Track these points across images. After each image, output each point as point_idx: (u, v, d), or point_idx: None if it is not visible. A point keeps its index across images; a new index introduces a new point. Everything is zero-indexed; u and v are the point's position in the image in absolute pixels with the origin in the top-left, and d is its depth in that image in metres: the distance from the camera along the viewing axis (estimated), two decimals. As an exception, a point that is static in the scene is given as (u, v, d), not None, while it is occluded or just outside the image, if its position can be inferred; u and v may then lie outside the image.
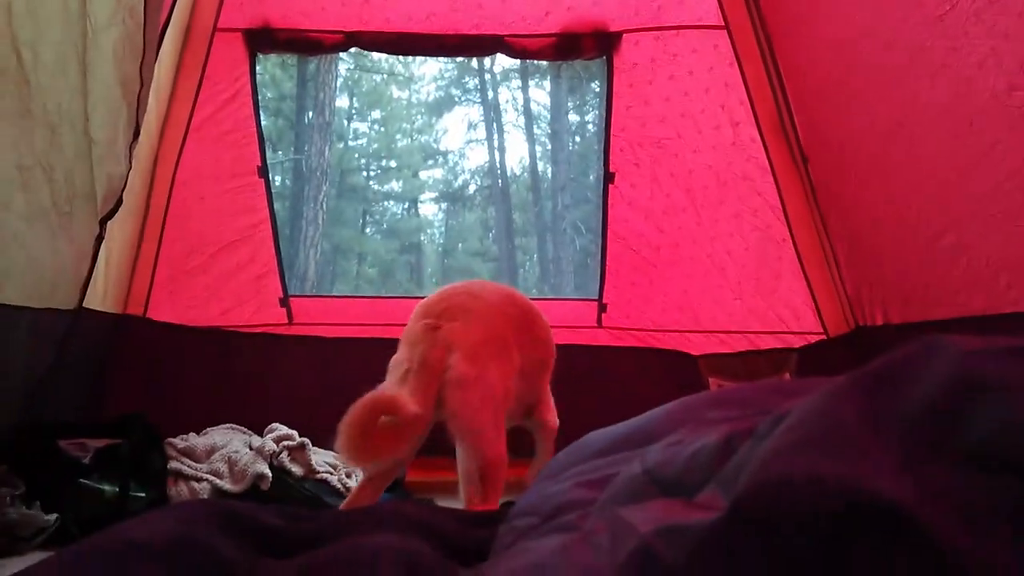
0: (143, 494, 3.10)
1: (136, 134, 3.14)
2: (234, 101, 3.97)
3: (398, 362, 2.49)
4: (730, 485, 0.77)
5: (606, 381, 2.90)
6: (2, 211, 2.58)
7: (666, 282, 4.15)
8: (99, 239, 3.29)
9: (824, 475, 0.61)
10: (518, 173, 18.22)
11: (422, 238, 17.97)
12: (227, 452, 3.33)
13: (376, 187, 18.29)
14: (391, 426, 2.28)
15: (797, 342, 4.06)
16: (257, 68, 4.10)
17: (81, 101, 2.79)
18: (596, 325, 4.17)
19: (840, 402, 0.75)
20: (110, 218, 3.25)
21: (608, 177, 4.13)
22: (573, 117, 17.53)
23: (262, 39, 4.04)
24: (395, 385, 2.41)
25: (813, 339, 4.04)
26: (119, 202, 3.24)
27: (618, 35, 4.05)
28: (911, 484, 0.60)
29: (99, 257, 3.36)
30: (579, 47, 4.08)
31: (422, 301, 2.65)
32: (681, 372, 4.03)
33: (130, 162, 3.19)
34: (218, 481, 3.21)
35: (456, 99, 18.65)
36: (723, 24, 3.93)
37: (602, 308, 4.18)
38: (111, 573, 1.31)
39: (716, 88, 3.98)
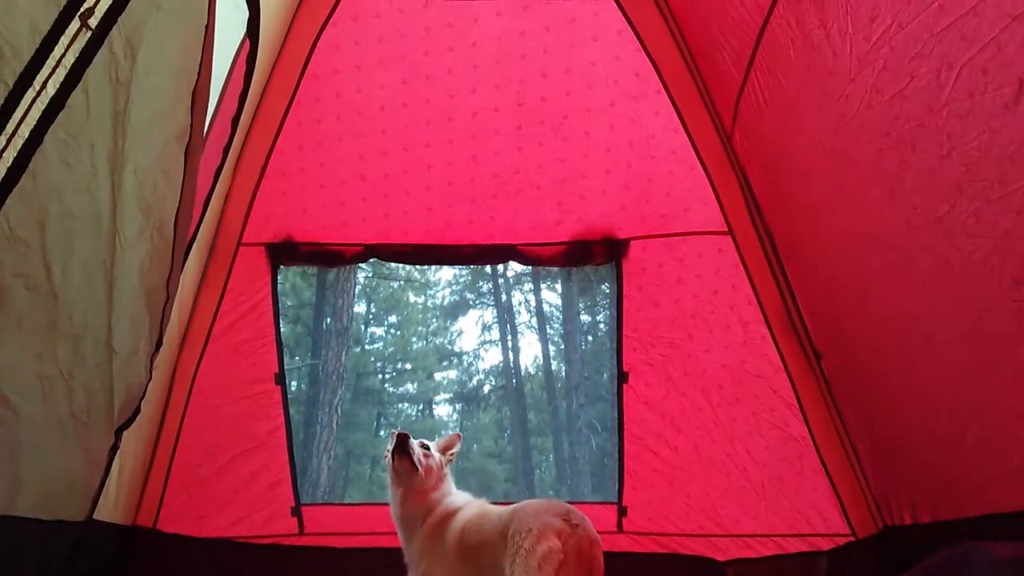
0: None
1: (158, 345, 3.21)
2: (255, 311, 4.08)
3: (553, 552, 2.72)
4: None
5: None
6: (23, 422, 2.59)
7: (687, 483, 4.06)
8: (114, 449, 3.28)
9: None
10: (532, 372, 18.29)
11: (436, 440, 17.78)
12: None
13: (391, 389, 18.35)
14: None
15: (825, 544, 3.92)
16: (278, 278, 4.25)
17: (106, 314, 2.87)
18: (617, 530, 4.04)
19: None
20: (126, 427, 3.26)
21: (622, 377, 4.15)
22: (585, 317, 17.82)
23: (285, 252, 4.22)
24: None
25: (841, 541, 3.91)
26: (136, 411, 3.26)
27: (626, 242, 4.21)
28: None
29: (112, 467, 3.34)
30: (589, 254, 4.23)
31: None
32: (709, 579, 3.85)
33: (150, 373, 3.24)
34: None
35: (470, 302, 19.09)
36: (727, 230, 4.09)
37: (622, 511, 4.07)
38: None
39: (724, 289, 4.08)
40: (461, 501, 3.26)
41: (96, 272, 2.79)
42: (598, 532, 2.97)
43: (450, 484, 3.32)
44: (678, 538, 4.02)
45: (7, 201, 2.20)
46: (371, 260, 4.45)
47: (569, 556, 2.76)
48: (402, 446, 3.20)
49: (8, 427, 2.53)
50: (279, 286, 4.26)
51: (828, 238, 3.44)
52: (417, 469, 3.17)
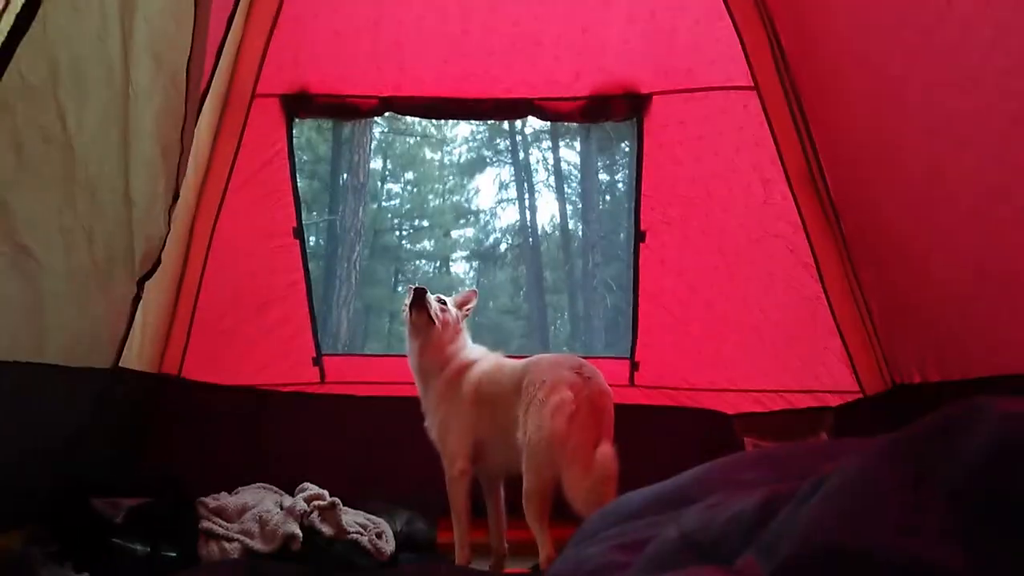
0: (174, 553, 3.09)
1: (175, 198, 3.22)
2: (271, 164, 4.05)
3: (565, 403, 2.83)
4: (770, 552, 0.75)
5: (639, 440, 2.84)
6: (45, 273, 2.63)
7: (699, 341, 4.12)
8: (136, 299, 3.34)
9: (874, 547, 0.58)
10: (549, 232, 18.31)
11: (453, 296, 18.02)
12: (258, 512, 3.31)
13: (408, 246, 18.46)
14: None
15: (833, 401, 3.99)
16: (294, 131, 4.19)
17: (122, 165, 2.86)
18: (628, 384, 4.13)
19: (883, 467, 0.73)
20: (148, 278, 3.31)
21: (639, 236, 4.14)
22: (603, 176, 17.64)
23: (300, 104, 4.15)
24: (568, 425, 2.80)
25: (850, 398, 3.97)
26: (157, 263, 3.30)
27: (648, 97, 4.09)
28: (960, 552, 0.58)
29: (136, 317, 3.41)
30: (609, 109, 4.13)
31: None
32: (716, 432, 3.97)
33: (168, 225, 3.25)
34: (249, 541, 3.19)
35: (487, 160, 18.89)
36: (752, 85, 3.95)
37: (634, 367, 4.15)
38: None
39: (746, 147, 4.00)
40: (477, 354, 3.34)
41: (110, 122, 2.77)
42: (610, 385, 3.06)
43: (466, 338, 3.39)
44: (688, 392, 4.11)
45: (18, 49, 2.17)
46: (387, 114, 4.37)
47: (581, 407, 2.85)
48: (419, 300, 3.25)
49: (31, 277, 2.57)
50: (295, 140, 4.21)
51: (857, 84, 3.33)
52: (434, 322, 3.23)
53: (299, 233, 4.13)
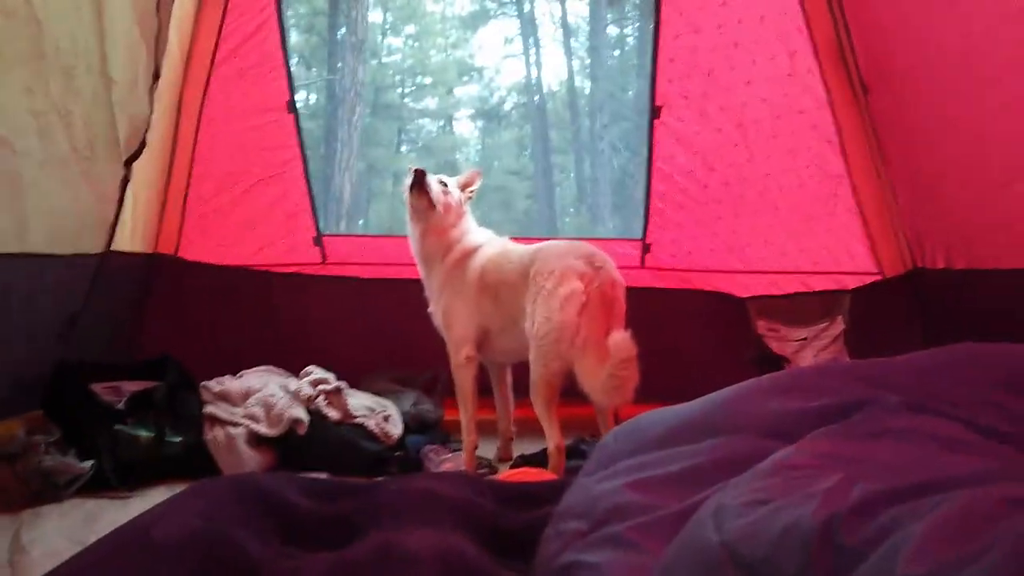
0: (179, 439, 3.07)
1: (156, 76, 3.00)
2: (259, 32, 3.78)
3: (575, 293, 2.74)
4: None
5: (649, 324, 2.75)
6: (18, 159, 2.47)
7: (714, 221, 3.97)
8: (124, 181, 3.18)
9: None
10: (555, 89, 17.73)
11: (458, 156, 17.69)
12: (263, 395, 3.28)
13: (411, 104, 17.95)
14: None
15: (851, 283, 3.89)
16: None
17: (97, 42, 2.65)
18: (639, 266, 4.01)
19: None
20: (135, 159, 3.15)
21: (654, 112, 3.90)
22: (612, 30, 16.92)
23: (288, -40, 3.82)
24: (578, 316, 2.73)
25: (868, 280, 3.86)
26: (143, 143, 3.13)
27: (668, -43, 3.77)
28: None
29: (126, 199, 3.26)
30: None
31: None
32: (728, 315, 3.89)
33: (152, 104, 3.05)
34: (254, 425, 3.17)
35: (491, 12, 18.06)
36: (782, -57, 3.62)
37: (645, 248, 4.02)
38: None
39: (772, 15, 3.71)
40: (482, 239, 3.21)
41: (80, -5, 2.54)
42: (620, 268, 2.95)
43: (470, 221, 3.25)
44: (700, 274, 4.00)
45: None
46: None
47: (592, 297, 2.75)
48: (419, 182, 3.09)
49: (5, 164, 2.42)
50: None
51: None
52: (435, 207, 3.08)
53: (293, 107, 3.91)
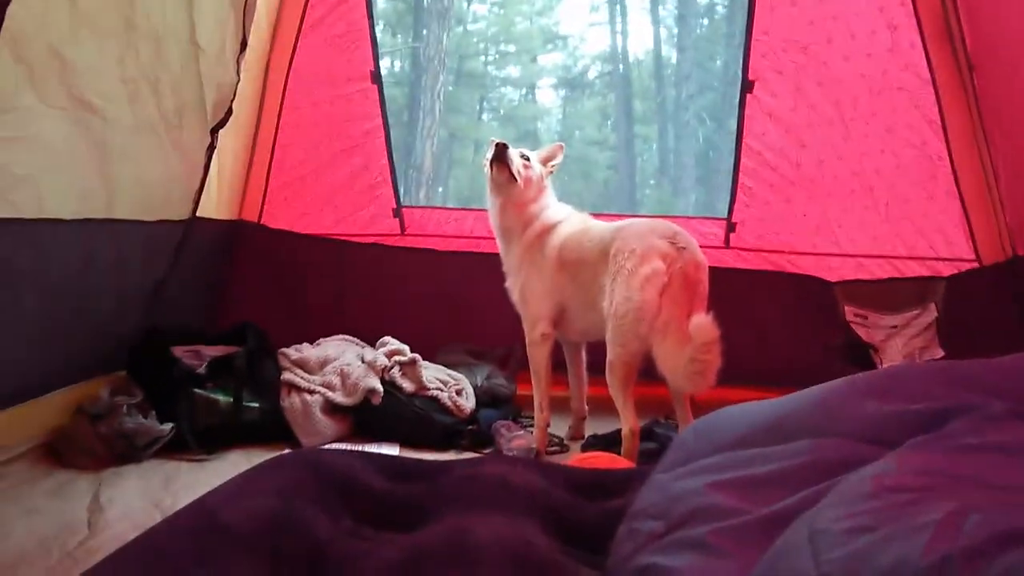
0: (256, 404, 3.12)
1: (244, 46, 3.01)
2: (346, 2, 3.76)
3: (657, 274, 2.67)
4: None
5: (733, 307, 2.65)
6: (111, 127, 2.51)
7: (805, 202, 3.81)
8: (211, 149, 3.23)
9: None
10: (641, 58, 17.36)
11: (539, 125, 17.55)
12: (339, 364, 3.31)
13: (494, 72, 17.84)
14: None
15: (946, 270, 3.71)
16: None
17: (186, 10, 2.67)
18: (724, 246, 3.89)
19: None
20: (221, 127, 3.19)
21: (746, 86, 3.76)
22: (702, -1, 16.44)
23: (377, -71, 3.79)
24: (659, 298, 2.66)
25: (964, 267, 3.68)
26: (229, 112, 3.16)
27: (766, -77, 3.61)
28: None
29: (212, 166, 3.31)
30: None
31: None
32: (816, 299, 3.74)
33: (239, 72, 3.07)
34: (330, 394, 3.21)
35: (577, -22, 17.75)
36: (886, -88, 3.42)
37: (731, 227, 3.89)
38: (199, 563, 1.24)
39: (873, -14, 3.52)
40: (562, 214, 3.15)
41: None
42: (703, 247, 2.86)
43: (551, 196, 3.19)
44: (788, 256, 3.85)
45: None
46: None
47: (674, 279, 2.67)
48: (500, 156, 3.03)
49: (96, 132, 2.47)
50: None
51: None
52: (516, 180, 3.03)
53: (377, 78, 3.89)
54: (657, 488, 1.39)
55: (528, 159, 3.11)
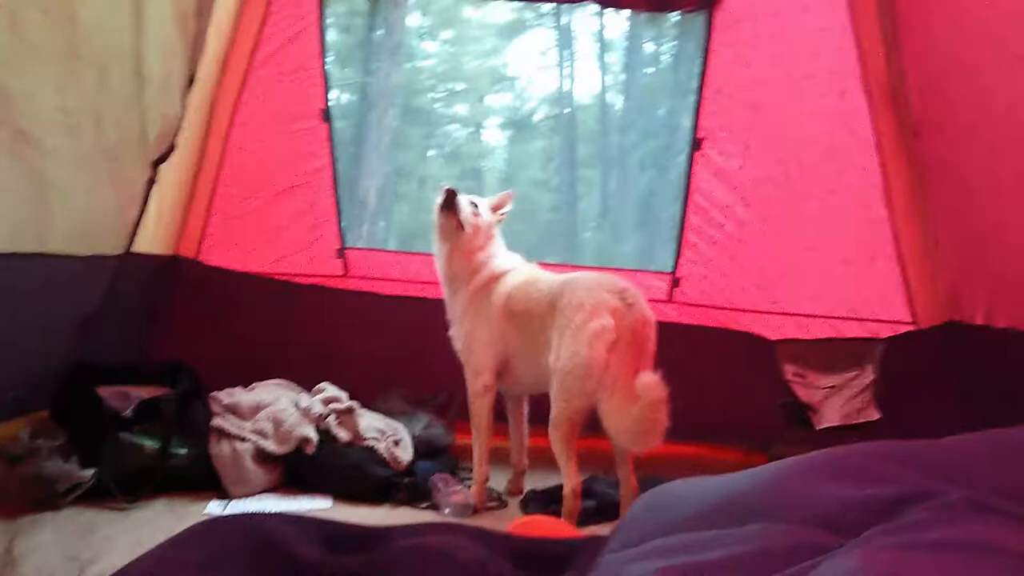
0: (184, 450, 3.02)
1: (191, 80, 2.94)
2: (299, 38, 3.73)
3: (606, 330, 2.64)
4: None
5: (675, 362, 2.64)
6: (45, 158, 2.42)
7: (748, 260, 3.85)
8: (150, 182, 3.13)
9: None
10: (587, 103, 17.64)
11: (484, 164, 17.64)
12: (273, 411, 3.22)
13: (441, 110, 17.91)
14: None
15: (884, 332, 3.76)
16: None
17: (133, 39, 2.60)
18: (667, 299, 3.91)
19: None
20: (162, 162, 3.10)
21: (694, 144, 3.81)
22: (649, 47, 16.81)
23: (331, -34, 3.76)
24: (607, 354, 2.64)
25: (902, 329, 3.73)
26: (173, 146, 3.07)
27: (722, -14, 3.68)
28: None
29: (150, 200, 3.21)
30: (679, -2, 3.71)
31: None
32: (757, 357, 3.77)
33: (184, 106, 3.00)
34: (262, 441, 3.12)
35: (528, 23, 18.01)
36: (840, -23, 3.52)
37: (675, 282, 3.91)
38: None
39: (826, 51, 3.62)
40: (510, 264, 3.13)
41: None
42: (648, 300, 2.86)
43: (499, 245, 3.16)
44: (730, 312, 3.88)
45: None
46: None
47: (622, 335, 2.66)
48: (450, 203, 3.00)
49: (32, 163, 2.36)
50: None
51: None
52: (463, 227, 3.00)
53: (327, 116, 3.84)
54: (607, 570, 1.35)
55: (477, 207, 3.09)
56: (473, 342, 3.04)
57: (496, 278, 3.05)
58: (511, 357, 3.01)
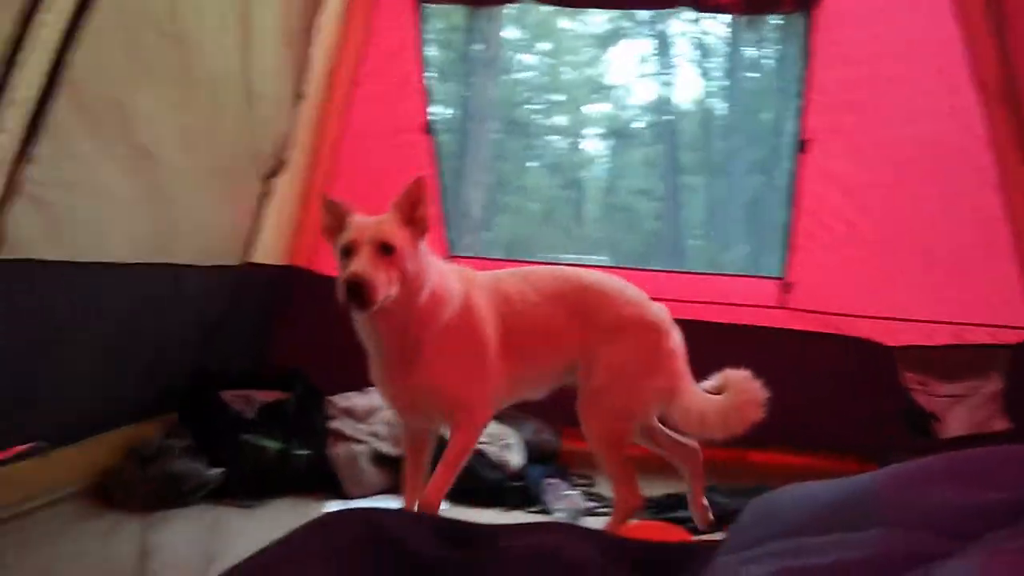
0: (305, 452, 3.12)
1: (299, 96, 3.07)
2: (400, 55, 3.84)
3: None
4: None
5: (787, 369, 2.56)
6: (164, 174, 2.57)
7: (861, 263, 3.76)
8: (264, 196, 3.28)
9: None
10: (688, 109, 17.41)
11: (584, 174, 17.62)
12: (387, 414, 3.30)
13: (540, 121, 18.01)
14: None
15: (1010, 337, 3.58)
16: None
17: (243, 61, 2.75)
18: (776, 305, 3.82)
19: None
20: (275, 176, 3.24)
21: (800, 146, 3.73)
22: (750, 52, 16.48)
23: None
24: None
25: (1030, 334, 3.54)
26: (283, 161, 3.21)
27: (822, -15, 3.60)
28: None
29: (267, 213, 3.35)
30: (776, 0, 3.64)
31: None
32: (873, 364, 3.64)
33: (293, 124, 3.14)
34: (377, 443, 3.21)
35: (625, 32, 17.94)
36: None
37: (786, 287, 3.82)
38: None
39: (931, 49, 3.52)
40: (457, 278, 2.52)
41: (230, 15, 2.63)
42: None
43: (432, 262, 2.42)
44: (845, 318, 3.77)
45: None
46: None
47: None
48: (359, 298, 2.21)
49: (151, 177, 2.52)
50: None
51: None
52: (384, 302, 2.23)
53: (429, 129, 3.94)
54: (724, 571, 1.34)
55: (389, 250, 2.25)
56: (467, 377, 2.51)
57: (464, 303, 2.45)
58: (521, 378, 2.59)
